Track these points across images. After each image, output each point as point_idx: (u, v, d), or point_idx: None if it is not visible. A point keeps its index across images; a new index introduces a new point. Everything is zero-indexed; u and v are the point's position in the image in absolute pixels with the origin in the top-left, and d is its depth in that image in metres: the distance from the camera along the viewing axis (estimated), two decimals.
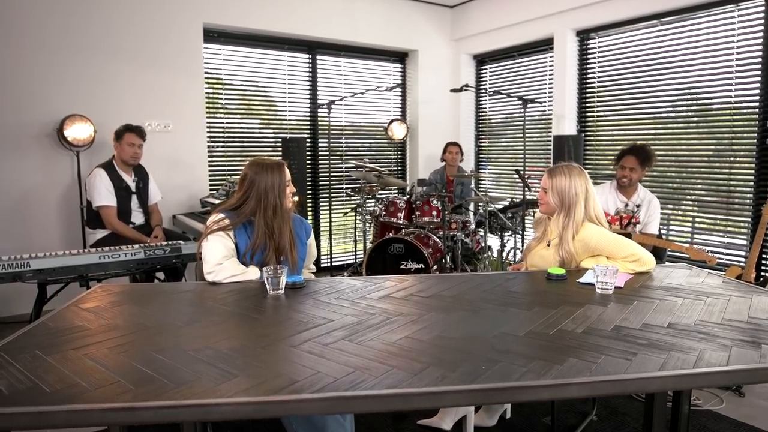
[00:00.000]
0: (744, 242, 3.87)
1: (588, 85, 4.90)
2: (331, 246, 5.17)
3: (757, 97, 3.74)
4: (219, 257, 2.09)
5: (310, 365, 1.28)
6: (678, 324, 1.56)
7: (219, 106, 4.91)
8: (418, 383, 1.19)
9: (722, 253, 3.95)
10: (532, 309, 1.72)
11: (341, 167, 5.65)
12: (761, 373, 1.27)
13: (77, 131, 3.95)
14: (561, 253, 2.27)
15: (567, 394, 1.23)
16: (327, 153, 5.10)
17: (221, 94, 4.92)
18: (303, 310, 1.74)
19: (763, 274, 3.70)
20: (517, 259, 4.66)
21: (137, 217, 3.78)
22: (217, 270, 2.07)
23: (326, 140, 5.16)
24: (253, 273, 2.12)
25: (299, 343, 1.43)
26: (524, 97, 4.71)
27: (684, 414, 1.96)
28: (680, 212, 4.26)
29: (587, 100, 4.91)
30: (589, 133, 4.89)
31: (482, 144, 6.13)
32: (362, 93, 5.25)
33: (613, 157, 3.51)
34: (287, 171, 2.27)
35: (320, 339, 1.46)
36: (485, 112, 6.10)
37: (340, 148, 5.68)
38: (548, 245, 2.39)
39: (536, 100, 5.09)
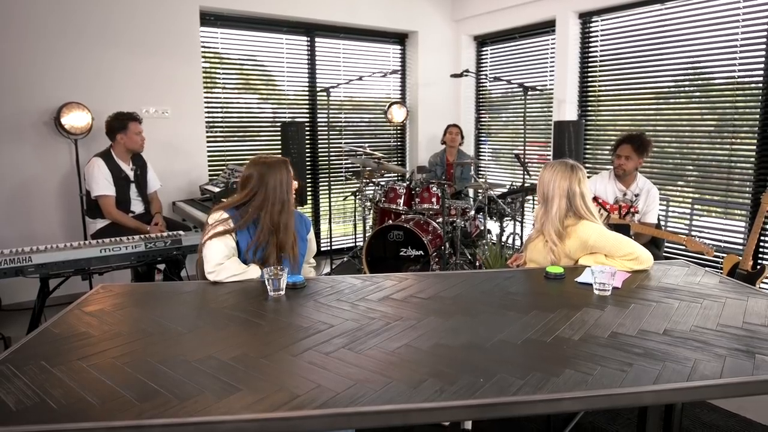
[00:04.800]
0: (742, 225, 3.88)
1: (590, 69, 4.84)
2: (331, 231, 5.19)
3: (761, 73, 3.69)
4: (220, 257, 2.11)
5: (312, 378, 1.31)
6: (674, 331, 1.58)
7: (217, 85, 4.86)
8: (417, 397, 1.22)
9: (720, 241, 3.97)
10: (530, 312, 1.74)
11: (341, 151, 5.63)
12: (754, 386, 1.29)
13: (75, 119, 3.92)
14: (549, 253, 2.30)
15: (561, 408, 1.25)
16: (326, 136, 5.08)
17: (219, 74, 4.87)
18: (304, 313, 1.76)
19: (760, 262, 3.72)
20: (516, 247, 4.68)
21: (137, 206, 3.78)
22: (218, 270, 2.09)
23: (325, 123, 5.13)
24: (253, 272, 2.14)
25: (300, 351, 1.46)
26: (525, 84, 4.67)
27: (678, 406, 2.00)
28: (679, 191, 4.25)
29: (589, 83, 4.87)
30: (590, 118, 4.86)
31: (482, 120, 6.09)
32: (360, 78, 5.19)
33: (614, 142, 3.51)
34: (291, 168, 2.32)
35: (321, 347, 1.48)
36: (486, 88, 6.04)
37: (339, 129, 5.65)
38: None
39: (537, 87, 5.04)
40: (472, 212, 4.80)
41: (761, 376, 1.31)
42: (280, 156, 2.34)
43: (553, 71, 5.05)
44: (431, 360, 1.41)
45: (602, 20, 4.70)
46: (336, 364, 1.38)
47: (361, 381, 1.29)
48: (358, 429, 1.27)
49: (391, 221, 4.46)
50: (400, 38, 5.87)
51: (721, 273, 3.11)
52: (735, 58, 3.84)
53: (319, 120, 5.43)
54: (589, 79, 4.86)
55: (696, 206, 4.15)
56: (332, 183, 5.26)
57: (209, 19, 4.70)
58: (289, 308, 1.82)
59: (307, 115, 5.40)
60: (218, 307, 1.84)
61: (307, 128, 5.34)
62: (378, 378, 1.30)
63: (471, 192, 5.44)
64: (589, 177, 2.46)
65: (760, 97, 3.71)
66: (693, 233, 4.05)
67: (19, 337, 3.19)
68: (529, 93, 4.87)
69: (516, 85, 4.98)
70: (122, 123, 3.61)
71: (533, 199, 4.81)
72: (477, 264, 4.49)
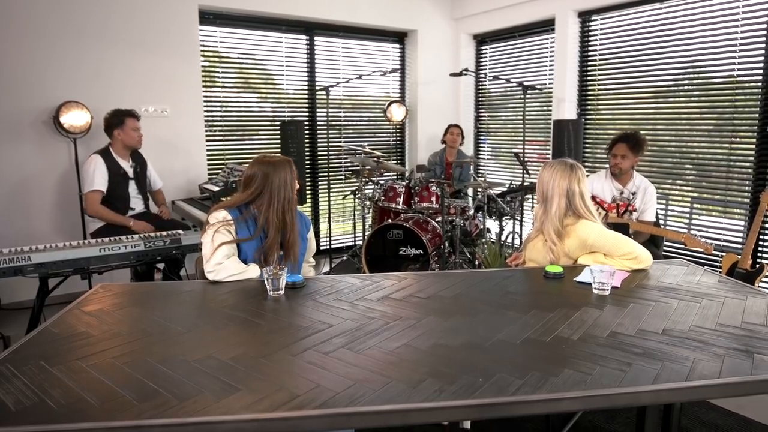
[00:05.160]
0: (741, 224, 3.88)
1: (589, 68, 4.84)
2: (330, 230, 5.19)
3: (760, 71, 3.68)
4: (219, 256, 2.10)
5: (311, 377, 1.31)
6: (673, 330, 1.58)
7: (216, 84, 4.86)
8: (416, 397, 1.22)
9: (719, 240, 3.97)
10: (530, 312, 1.74)
11: (340, 150, 5.63)
12: (753, 386, 1.30)
13: (73, 118, 3.92)
14: (548, 253, 2.30)
15: (560, 408, 1.25)
16: (325, 135, 5.08)
17: (218, 72, 4.87)
18: (303, 313, 1.76)
19: (759, 261, 3.73)
20: (516, 247, 4.68)
21: (137, 204, 3.77)
22: (217, 269, 2.09)
23: (325, 122, 5.13)
24: (253, 272, 2.14)
25: (300, 351, 1.46)
26: (524, 83, 4.67)
27: (676, 405, 2.00)
28: (678, 189, 4.25)
29: (588, 82, 4.87)
30: (589, 117, 4.86)
31: (482, 119, 6.09)
32: (359, 77, 5.19)
33: (609, 141, 3.52)
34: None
35: (320, 347, 1.48)
36: (485, 87, 6.04)
37: (339, 128, 5.65)
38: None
39: (536, 86, 5.04)
40: (472, 211, 4.80)
41: (760, 375, 1.31)
42: (281, 156, 2.34)
43: (552, 70, 5.05)
44: (430, 360, 1.41)
45: (601, 19, 4.70)
46: (335, 363, 1.38)
47: (360, 381, 1.29)
48: (357, 429, 1.27)
49: (390, 220, 4.47)
50: (399, 37, 5.86)
51: (720, 272, 3.12)
52: (734, 57, 3.84)
53: (318, 119, 5.43)
54: (589, 77, 4.86)
55: (695, 205, 4.15)
56: (331, 182, 5.27)
57: (208, 17, 4.69)
58: (288, 308, 1.82)
59: (307, 114, 5.39)
60: (218, 306, 1.84)
61: (307, 127, 5.34)
62: (377, 378, 1.30)
63: (470, 191, 5.44)
64: (587, 176, 2.46)
65: (760, 96, 3.71)
66: (692, 232, 4.05)
67: (19, 336, 3.20)
68: (529, 92, 4.87)
69: (515, 84, 4.98)
70: (119, 119, 3.61)
71: (532, 198, 4.81)
72: (476, 263, 4.49)
